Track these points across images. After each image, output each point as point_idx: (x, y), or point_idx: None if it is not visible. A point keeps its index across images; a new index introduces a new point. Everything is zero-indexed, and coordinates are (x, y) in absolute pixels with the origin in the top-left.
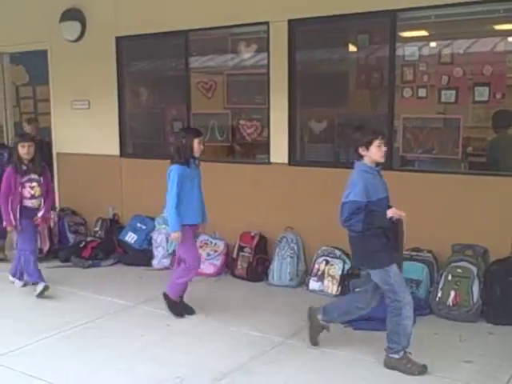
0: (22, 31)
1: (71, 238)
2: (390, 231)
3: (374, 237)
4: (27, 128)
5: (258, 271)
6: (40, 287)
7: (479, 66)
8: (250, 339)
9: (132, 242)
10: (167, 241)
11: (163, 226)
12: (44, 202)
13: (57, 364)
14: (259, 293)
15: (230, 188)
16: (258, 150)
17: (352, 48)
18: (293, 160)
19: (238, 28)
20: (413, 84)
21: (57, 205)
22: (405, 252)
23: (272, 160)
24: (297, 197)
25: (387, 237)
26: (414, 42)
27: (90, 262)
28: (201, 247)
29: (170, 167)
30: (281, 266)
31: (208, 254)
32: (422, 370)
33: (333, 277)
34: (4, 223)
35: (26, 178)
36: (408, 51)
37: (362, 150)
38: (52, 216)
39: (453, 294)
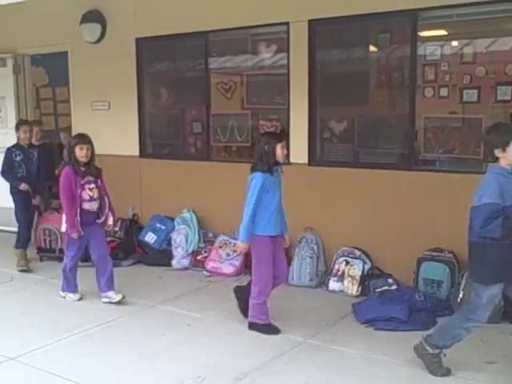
0: (42, 33)
1: None
2: None
3: (499, 247)
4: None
5: None
6: (76, 296)
7: (502, 65)
8: (271, 339)
9: (152, 242)
10: (186, 241)
11: (182, 226)
12: (103, 205)
13: (79, 362)
14: (279, 293)
15: None
16: None
17: (372, 48)
18: (313, 160)
19: (258, 28)
20: (434, 83)
21: None
22: (426, 252)
23: (292, 160)
24: (317, 197)
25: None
26: (436, 42)
27: None
28: (220, 247)
29: (252, 175)
30: (300, 267)
31: (227, 255)
32: (446, 372)
33: (353, 277)
34: (65, 228)
35: (85, 180)
36: (429, 50)
37: (498, 152)
38: None
39: None
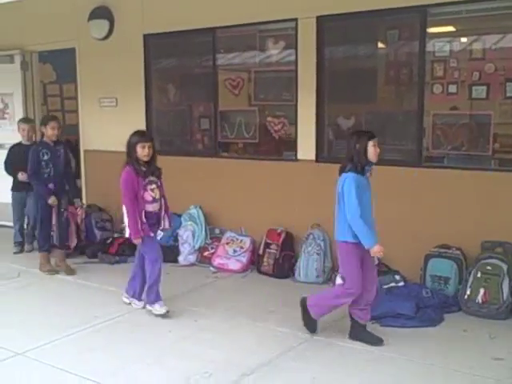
0: (50, 30)
1: (98, 234)
2: None
3: None
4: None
5: (285, 268)
6: (162, 309)
7: (511, 61)
8: (278, 335)
9: (158, 238)
10: (193, 237)
11: (189, 222)
12: (162, 206)
13: (87, 358)
14: (285, 289)
15: (256, 185)
16: (285, 146)
17: (381, 44)
18: (320, 157)
19: (266, 25)
20: (443, 80)
21: (84, 201)
22: (433, 249)
23: (299, 157)
24: (324, 194)
25: None
26: (445, 38)
27: (117, 258)
28: (227, 244)
29: (344, 176)
30: (307, 263)
31: (234, 251)
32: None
33: None
34: (128, 233)
35: (147, 181)
36: (438, 47)
37: None
38: (79, 212)
39: (482, 291)
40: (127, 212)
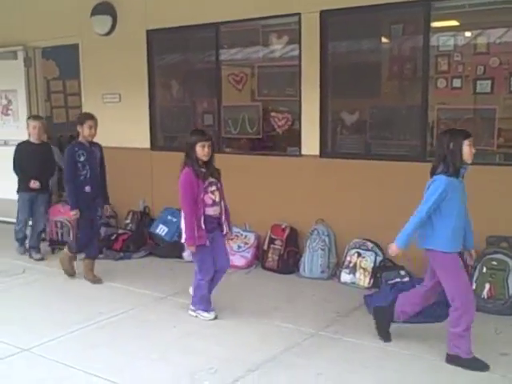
0: (53, 26)
1: (102, 230)
2: None
3: None
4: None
5: (289, 263)
6: (210, 315)
7: None
8: (282, 331)
9: (163, 234)
10: None
11: None
12: (223, 209)
13: (92, 354)
14: (290, 285)
15: (260, 180)
16: (288, 142)
17: (385, 39)
18: (324, 152)
19: (270, 20)
20: (447, 74)
21: None
22: None
23: (303, 152)
24: (328, 189)
25: None
26: (449, 32)
27: (122, 254)
28: (231, 239)
29: (434, 178)
30: (312, 259)
31: (239, 247)
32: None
33: (365, 269)
34: (183, 239)
35: (207, 183)
36: (442, 41)
37: None
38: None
39: (487, 286)
40: (185, 216)
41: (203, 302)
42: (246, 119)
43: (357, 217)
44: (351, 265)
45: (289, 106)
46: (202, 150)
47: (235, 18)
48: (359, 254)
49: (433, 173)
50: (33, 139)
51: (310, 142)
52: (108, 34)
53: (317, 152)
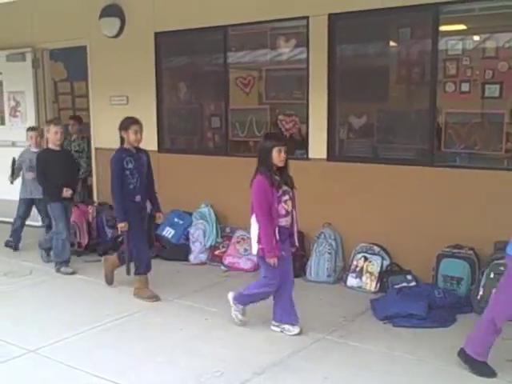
0: (61, 28)
1: (109, 232)
2: None
3: None
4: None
5: (296, 267)
6: (295, 329)
7: None
8: (289, 335)
9: (169, 236)
10: (204, 236)
11: (200, 220)
12: (294, 220)
13: (98, 356)
14: (297, 289)
15: None
16: (296, 145)
17: (393, 42)
18: (331, 155)
19: (278, 23)
20: (456, 78)
21: (95, 200)
22: (446, 249)
23: (310, 155)
24: (335, 192)
25: None
26: (457, 36)
27: None
28: (238, 242)
29: None
30: (318, 262)
31: (245, 250)
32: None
33: (371, 273)
34: (256, 249)
35: (280, 192)
36: (450, 45)
37: None
38: (90, 210)
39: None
40: (261, 227)
41: (250, 300)
42: (253, 122)
43: (364, 221)
44: (358, 269)
45: (296, 109)
46: (278, 156)
47: (243, 20)
48: (366, 258)
49: None
50: (53, 146)
51: (318, 146)
52: (116, 36)
53: (324, 155)
